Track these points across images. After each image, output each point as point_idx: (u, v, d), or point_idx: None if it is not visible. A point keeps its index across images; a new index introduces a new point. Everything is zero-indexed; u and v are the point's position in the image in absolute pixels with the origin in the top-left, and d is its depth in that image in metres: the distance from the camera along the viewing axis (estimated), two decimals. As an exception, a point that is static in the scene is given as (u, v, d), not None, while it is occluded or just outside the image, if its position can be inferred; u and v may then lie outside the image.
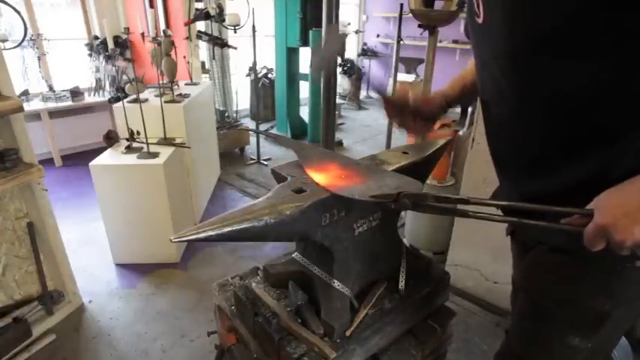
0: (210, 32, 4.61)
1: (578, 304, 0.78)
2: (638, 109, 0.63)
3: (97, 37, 4.51)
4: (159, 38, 2.74)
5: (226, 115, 4.84)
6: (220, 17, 3.76)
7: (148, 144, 2.39)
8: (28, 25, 3.62)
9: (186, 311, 2.18)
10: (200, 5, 4.09)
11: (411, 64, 6.19)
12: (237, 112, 5.25)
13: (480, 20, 0.76)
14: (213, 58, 5.04)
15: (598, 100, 0.65)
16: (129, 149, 2.44)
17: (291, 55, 4.95)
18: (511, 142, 0.82)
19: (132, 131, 2.42)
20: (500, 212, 0.84)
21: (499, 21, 0.71)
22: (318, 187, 0.87)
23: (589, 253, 0.62)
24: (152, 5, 4.12)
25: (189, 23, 3.71)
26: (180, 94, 2.93)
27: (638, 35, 0.58)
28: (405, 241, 2.68)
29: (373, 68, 7.78)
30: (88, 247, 2.75)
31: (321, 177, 0.90)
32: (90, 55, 4.51)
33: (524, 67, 0.70)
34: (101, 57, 4.48)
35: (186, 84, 3.47)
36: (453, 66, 6.29)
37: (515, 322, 0.93)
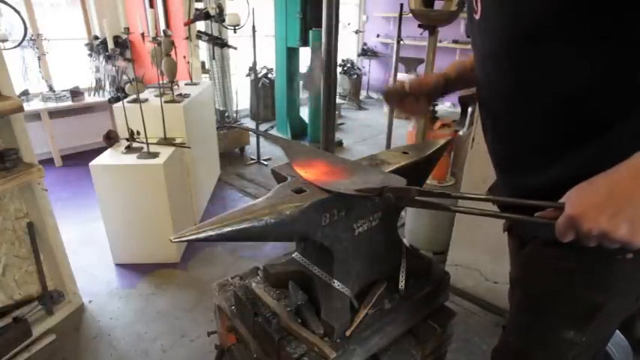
0: (210, 32, 4.61)
1: (571, 297, 0.79)
2: (629, 99, 0.65)
3: (97, 37, 4.51)
4: (159, 38, 2.74)
5: (226, 115, 4.84)
6: (220, 17, 3.76)
7: (148, 144, 2.39)
8: (28, 25, 3.62)
9: (186, 311, 2.18)
10: (200, 5, 4.09)
11: (411, 64, 6.19)
12: (237, 112, 5.25)
13: (477, 16, 0.78)
14: (213, 58, 5.04)
15: (589, 91, 0.67)
16: (129, 149, 2.44)
17: (291, 55, 4.94)
18: (506, 137, 0.84)
19: (132, 131, 2.42)
20: (495, 208, 0.85)
21: (494, 13, 0.73)
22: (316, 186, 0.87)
23: (582, 246, 0.63)
24: (152, 5, 4.12)
25: (189, 23, 3.71)
26: (180, 94, 2.93)
27: (621, 28, 0.60)
28: (405, 241, 2.68)
29: (373, 68, 7.78)
30: (88, 247, 2.75)
31: (308, 173, 0.91)
32: (90, 55, 4.51)
33: (519, 57, 0.72)
34: (101, 57, 4.48)
35: (186, 84, 3.47)
36: (453, 66, 6.28)
37: (512, 317, 0.94)
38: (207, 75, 4.93)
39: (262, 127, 5.22)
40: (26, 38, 3.48)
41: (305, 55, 4.90)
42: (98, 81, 4.55)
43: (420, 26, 2.63)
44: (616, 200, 0.57)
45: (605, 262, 0.74)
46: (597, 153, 0.68)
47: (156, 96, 2.70)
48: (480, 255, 2.17)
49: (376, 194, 0.78)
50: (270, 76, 5.81)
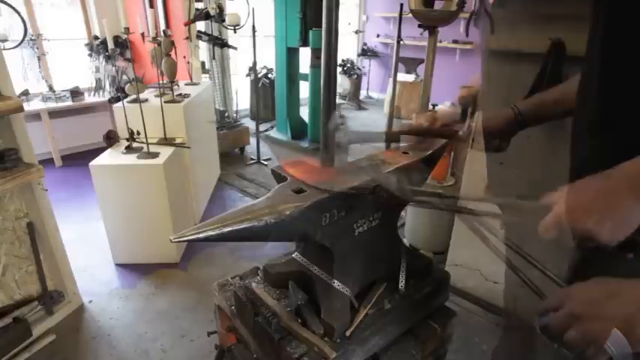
0: (210, 32, 4.60)
1: None
2: None
3: (97, 37, 4.51)
4: (159, 38, 2.74)
5: (226, 115, 4.84)
6: (220, 17, 3.76)
7: (147, 144, 2.39)
8: (28, 25, 3.62)
9: (186, 311, 2.18)
10: (200, 5, 4.09)
11: (411, 64, 6.19)
12: (237, 112, 5.25)
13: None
14: (213, 58, 5.03)
15: None
16: (129, 149, 2.44)
17: (291, 55, 4.94)
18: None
19: (132, 131, 2.42)
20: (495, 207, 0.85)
21: None
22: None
23: (581, 245, 0.64)
24: (152, 5, 4.12)
25: (189, 23, 3.71)
26: (180, 94, 2.93)
27: None
28: (405, 241, 2.68)
29: (373, 68, 7.79)
30: (88, 247, 2.75)
31: (297, 171, 0.91)
32: (90, 55, 4.51)
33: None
34: (101, 57, 4.48)
35: (186, 84, 3.47)
36: (453, 66, 6.29)
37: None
38: (207, 75, 4.93)
39: (262, 127, 5.22)
40: (26, 38, 3.48)
41: (305, 55, 4.89)
42: (98, 81, 4.55)
43: (420, 26, 2.64)
44: (602, 203, 0.60)
45: (604, 261, 0.74)
46: None
47: (156, 96, 2.70)
48: (480, 255, 2.17)
49: (369, 192, 0.80)
50: (270, 76, 5.81)
